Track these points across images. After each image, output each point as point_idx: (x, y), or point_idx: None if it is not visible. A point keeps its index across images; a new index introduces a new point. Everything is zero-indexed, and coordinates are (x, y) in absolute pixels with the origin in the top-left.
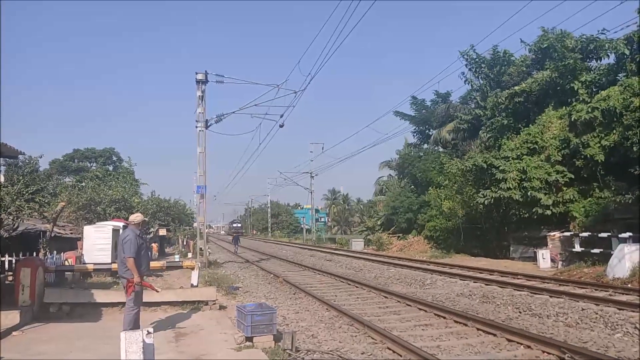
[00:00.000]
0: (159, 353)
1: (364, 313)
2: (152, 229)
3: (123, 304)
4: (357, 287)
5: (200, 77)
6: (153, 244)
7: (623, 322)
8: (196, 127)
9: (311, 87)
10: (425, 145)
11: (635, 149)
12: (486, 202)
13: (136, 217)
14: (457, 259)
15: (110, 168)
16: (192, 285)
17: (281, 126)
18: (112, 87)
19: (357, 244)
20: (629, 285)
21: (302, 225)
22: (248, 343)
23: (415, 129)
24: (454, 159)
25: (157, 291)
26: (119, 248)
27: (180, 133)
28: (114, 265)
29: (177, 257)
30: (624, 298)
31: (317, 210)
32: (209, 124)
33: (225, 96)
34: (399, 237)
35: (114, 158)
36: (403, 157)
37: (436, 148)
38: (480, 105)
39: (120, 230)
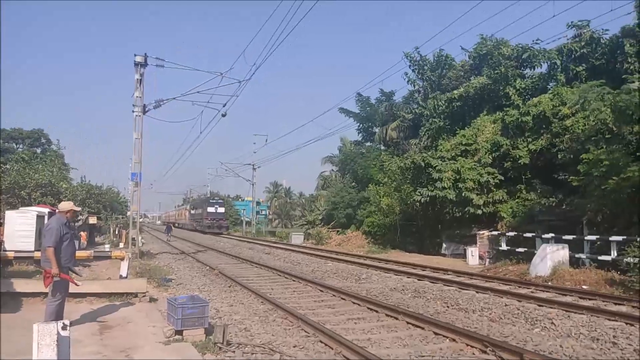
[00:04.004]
0: (82, 346)
1: (299, 306)
2: (81, 217)
3: (45, 294)
4: (294, 280)
5: (139, 59)
6: (82, 233)
7: (542, 318)
8: (133, 111)
9: (257, 78)
10: (369, 143)
11: (560, 156)
12: (422, 200)
13: (65, 205)
14: (393, 255)
15: (38, 151)
16: (121, 277)
17: (224, 115)
18: (42, 66)
19: (297, 238)
20: (550, 283)
21: (242, 218)
22: (178, 336)
23: (359, 126)
24: (394, 157)
25: (77, 284)
26: (42, 236)
27: (116, 118)
28: (37, 254)
29: (107, 247)
30: (544, 295)
31: (258, 203)
32: (147, 109)
33: (166, 83)
34: (338, 231)
35: (43, 140)
36: (345, 154)
37: (379, 146)
38: (422, 106)
39: (46, 218)
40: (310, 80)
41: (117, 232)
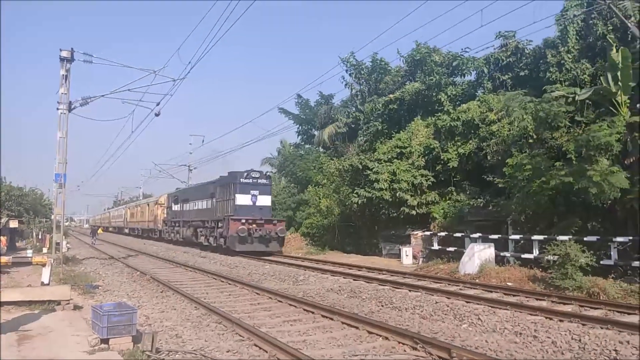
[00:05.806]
0: None
1: (234, 310)
2: None
3: None
4: (230, 284)
5: (65, 54)
6: (1, 237)
7: (469, 314)
8: (58, 109)
9: (194, 78)
10: (308, 145)
11: (489, 157)
12: (360, 201)
13: None
14: (331, 256)
15: None
16: (42, 284)
17: (157, 115)
18: None
19: None
20: (477, 280)
21: None
22: (103, 345)
23: (299, 128)
24: (333, 159)
25: None
26: None
27: (41, 115)
28: None
29: (29, 252)
30: (471, 292)
31: None
32: (72, 107)
33: (96, 81)
34: None
35: None
36: (285, 156)
37: (318, 148)
38: (359, 110)
39: None
40: (249, 80)
41: (40, 237)
